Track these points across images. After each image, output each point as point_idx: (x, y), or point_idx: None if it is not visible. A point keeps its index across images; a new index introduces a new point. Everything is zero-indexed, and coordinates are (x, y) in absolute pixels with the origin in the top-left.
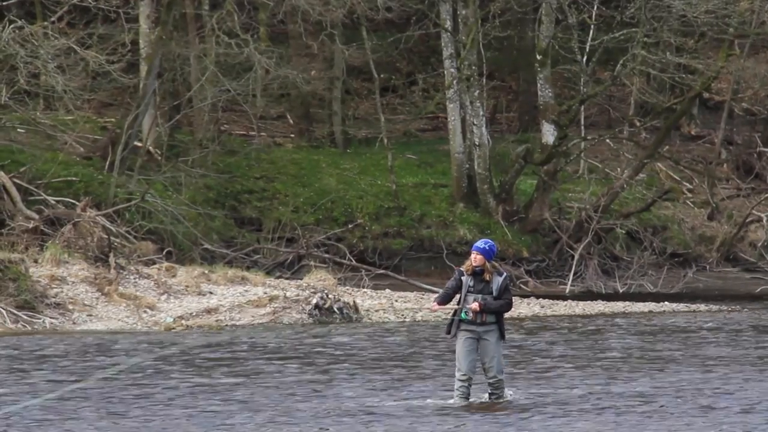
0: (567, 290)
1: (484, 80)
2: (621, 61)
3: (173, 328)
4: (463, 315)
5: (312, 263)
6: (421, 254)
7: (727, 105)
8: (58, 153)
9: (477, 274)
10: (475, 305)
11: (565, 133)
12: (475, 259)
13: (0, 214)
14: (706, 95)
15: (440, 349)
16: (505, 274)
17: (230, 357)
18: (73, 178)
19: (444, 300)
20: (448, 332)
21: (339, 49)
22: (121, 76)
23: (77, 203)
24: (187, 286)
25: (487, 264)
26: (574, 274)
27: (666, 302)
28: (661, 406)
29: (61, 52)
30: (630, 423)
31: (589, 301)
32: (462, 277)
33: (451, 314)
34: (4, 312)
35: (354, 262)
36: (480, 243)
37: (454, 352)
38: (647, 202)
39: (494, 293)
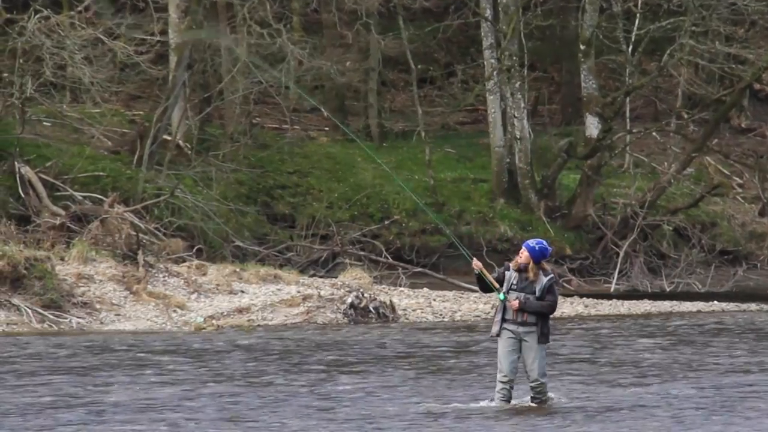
0: (612, 289)
1: (526, 71)
2: (668, 51)
3: (203, 328)
4: (501, 296)
5: (347, 261)
6: (460, 252)
7: None
8: (85, 147)
9: (521, 271)
10: (515, 303)
11: (610, 126)
12: (521, 255)
13: (25, 210)
14: (756, 86)
15: (480, 350)
16: (551, 275)
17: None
18: (101, 173)
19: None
20: (495, 334)
21: (375, 39)
22: (150, 67)
23: (105, 199)
24: (217, 285)
25: (532, 264)
26: (619, 272)
27: (715, 301)
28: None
29: (88, 43)
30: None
31: (634, 301)
32: (507, 272)
33: (495, 304)
34: (29, 311)
35: (390, 260)
36: (531, 242)
37: (494, 352)
38: (695, 197)
39: (537, 293)
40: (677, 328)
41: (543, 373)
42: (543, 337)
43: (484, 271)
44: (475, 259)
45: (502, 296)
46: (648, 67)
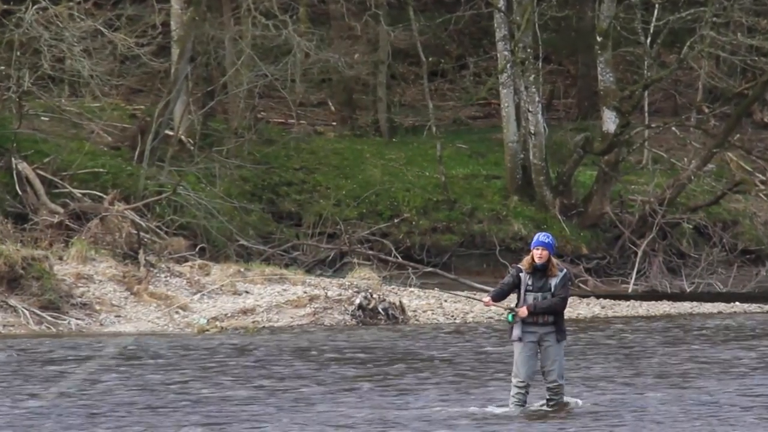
0: (629, 289)
1: (540, 64)
2: (688, 43)
3: (207, 330)
4: (509, 317)
5: (355, 260)
6: (473, 251)
7: None
8: (84, 143)
9: (537, 270)
10: (523, 310)
11: (628, 120)
12: (541, 255)
13: (23, 207)
14: None
15: (494, 353)
16: (565, 270)
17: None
18: (101, 170)
19: (498, 296)
20: (517, 338)
21: (384, 31)
22: (152, 60)
23: (105, 196)
24: (221, 285)
25: (553, 259)
26: (638, 272)
27: (737, 302)
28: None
29: (87, 35)
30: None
31: (653, 302)
32: (520, 274)
33: (507, 314)
34: (26, 312)
35: (400, 260)
36: (542, 237)
37: (510, 355)
38: (716, 194)
39: (553, 290)
40: (698, 330)
41: (561, 375)
42: (561, 334)
43: (496, 305)
44: (486, 297)
45: (510, 318)
46: (667, 60)
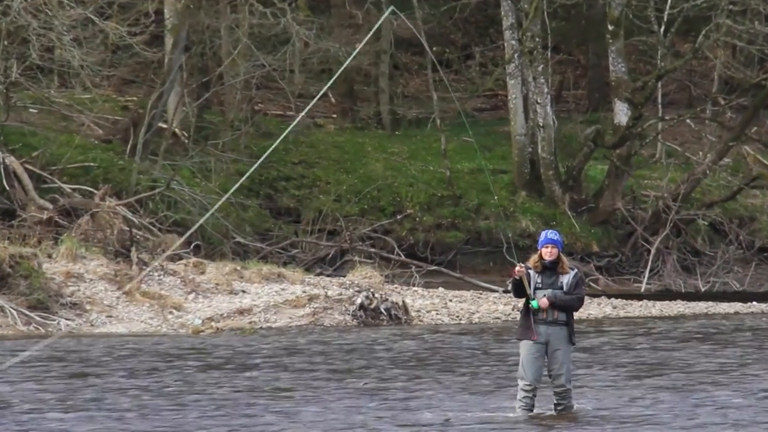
0: (642, 289)
1: (549, 53)
2: (703, 32)
3: (201, 331)
4: (534, 303)
5: (356, 258)
6: (479, 248)
7: None
8: (74, 136)
9: (546, 269)
10: (544, 300)
11: (640, 112)
12: (551, 252)
13: (10, 203)
14: None
15: (500, 355)
16: (576, 269)
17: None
18: (91, 164)
19: (520, 292)
20: (531, 338)
21: (386, 20)
22: (145, 49)
23: (95, 191)
24: (217, 284)
25: (563, 256)
26: (651, 270)
27: (754, 302)
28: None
29: (77, 23)
30: None
31: (667, 301)
32: (529, 271)
33: (522, 307)
34: (14, 313)
35: (403, 258)
36: (550, 234)
37: (516, 357)
38: (733, 189)
39: (565, 289)
40: (714, 331)
41: (569, 379)
42: (572, 337)
43: (525, 279)
44: (520, 264)
45: (535, 304)
46: (681, 49)
